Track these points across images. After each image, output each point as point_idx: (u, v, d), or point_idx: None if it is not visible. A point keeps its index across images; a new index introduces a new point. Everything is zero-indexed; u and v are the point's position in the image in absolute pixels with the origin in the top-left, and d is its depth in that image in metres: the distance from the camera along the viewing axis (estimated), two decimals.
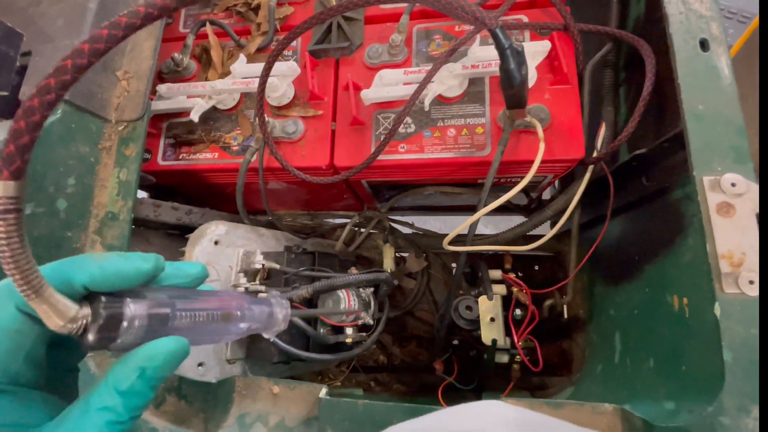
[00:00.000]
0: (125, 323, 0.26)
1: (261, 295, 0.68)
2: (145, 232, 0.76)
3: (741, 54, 0.91)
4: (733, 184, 0.42)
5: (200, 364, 0.67)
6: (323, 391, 0.47)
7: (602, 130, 0.69)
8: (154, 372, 0.27)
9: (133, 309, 0.26)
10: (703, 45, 0.47)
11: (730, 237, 0.42)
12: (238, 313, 0.32)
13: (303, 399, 0.50)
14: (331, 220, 1.02)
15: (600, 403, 0.45)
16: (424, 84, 0.64)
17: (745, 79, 0.93)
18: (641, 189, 0.63)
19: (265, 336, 0.37)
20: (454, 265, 1.02)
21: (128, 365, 0.26)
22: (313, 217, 1.03)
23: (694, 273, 0.51)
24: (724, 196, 0.43)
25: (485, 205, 0.65)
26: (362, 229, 0.98)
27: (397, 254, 1.06)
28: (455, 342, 0.94)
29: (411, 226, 1.00)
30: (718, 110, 0.45)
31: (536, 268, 1.01)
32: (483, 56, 0.65)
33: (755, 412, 0.38)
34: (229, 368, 0.71)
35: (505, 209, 1.00)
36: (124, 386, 0.26)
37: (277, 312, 0.35)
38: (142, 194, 0.82)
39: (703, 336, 0.49)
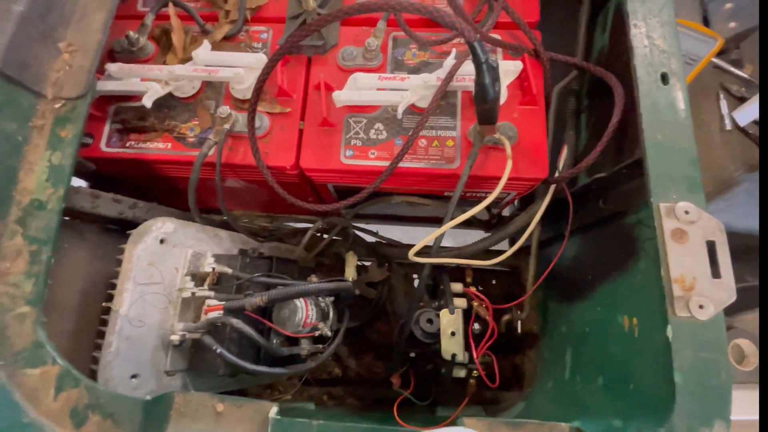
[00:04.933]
0: None
1: (209, 302, 0.63)
2: (79, 225, 0.67)
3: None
4: (686, 212, 0.45)
5: (134, 376, 0.60)
6: (273, 410, 0.43)
7: (564, 153, 0.71)
8: None
9: None
10: (664, 78, 0.50)
11: (683, 262, 0.44)
12: None
13: (250, 419, 0.45)
14: (291, 224, 0.98)
15: (557, 423, 0.45)
16: (450, 77, 0.63)
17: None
18: (598, 211, 0.66)
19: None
20: (415, 276, 1.01)
21: None
22: (272, 220, 0.98)
23: (644, 295, 0.54)
24: (678, 223, 0.45)
25: (452, 218, 0.64)
26: (325, 235, 0.94)
27: (358, 263, 1.03)
28: (412, 355, 0.92)
29: (375, 234, 0.98)
30: (675, 141, 0.48)
31: (494, 282, 1.03)
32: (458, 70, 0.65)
33: None
34: (167, 381, 0.64)
35: (466, 223, 1.01)
36: None
37: None
38: (79, 183, 0.74)
39: (651, 356, 0.51)
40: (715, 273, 0.43)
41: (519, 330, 0.96)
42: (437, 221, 0.67)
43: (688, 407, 0.41)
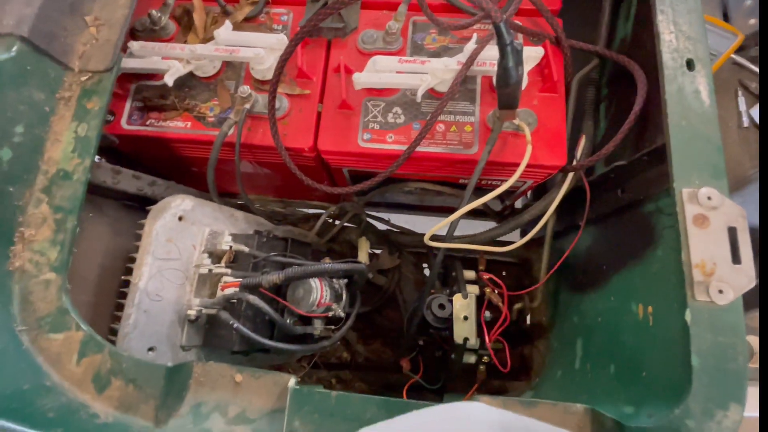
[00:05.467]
0: None
1: (225, 278, 0.63)
2: (98, 200, 0.68)
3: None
4: (709, 198, 0.45)
5: (150, 349, 0.61)
6: (293, 381, 0.44)
7: (582, 142, 0.71)
8: None
9: None
10: (690, 65, 0.49)
11: (704, 247, 0.44)
12: None
13: (268, 389, 0.46)
14: (304, 210, 0.99)
15: (572, 404, 0.45)
16: (470, 61, 0.63)
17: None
18: (616, 201, 0.65)
19: None
20: (425, 265, 1.02)
21: None
22: (285, 205, 0.99)
23: (661, 283, 0.54)
24: (700, 208, 0.45)
25: (468, 203, 0.64)
26: (336, 221, 0.95)
27: (369, 250, 1.04)
28: (421, 342, 0.93)
29: (387, 222, 0.99)
30: (699, 128, 0.48)
31: (504, 274, 1.03)
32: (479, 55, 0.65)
33: (719, 416, 0.40)
34: (183, 356, 0.65)
35: (479, 214, 1.02)
36: None
37: None
38: (96, 158, 0.75)
39: (666, 343, 0.51)
40: (736, 259, 0.43)
41: (528, 321, 0.96)
42: (449, 211, 0.67)
43: (704, 390, 0.41)
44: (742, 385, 0.41)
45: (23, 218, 0.50)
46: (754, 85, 1.03)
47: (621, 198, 0.64)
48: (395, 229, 0.96)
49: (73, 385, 0.45)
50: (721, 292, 0.42)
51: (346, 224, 0.95)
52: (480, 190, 0.77)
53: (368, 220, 0.93)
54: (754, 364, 0.90)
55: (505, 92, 0.57)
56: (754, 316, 0.91)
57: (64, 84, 0.54)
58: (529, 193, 1.02)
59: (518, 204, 0.99)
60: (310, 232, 0.87)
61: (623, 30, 0.70)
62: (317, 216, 0.93)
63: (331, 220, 0.95)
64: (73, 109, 0.54)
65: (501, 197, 0.92)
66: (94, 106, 0.53)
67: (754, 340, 0.87)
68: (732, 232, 0.44)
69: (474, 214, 1.02)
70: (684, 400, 0.41)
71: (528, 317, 0.95)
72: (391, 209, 1.06)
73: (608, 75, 0.75)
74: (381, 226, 0.98)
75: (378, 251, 1.00)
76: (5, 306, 0.46)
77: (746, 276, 0.43)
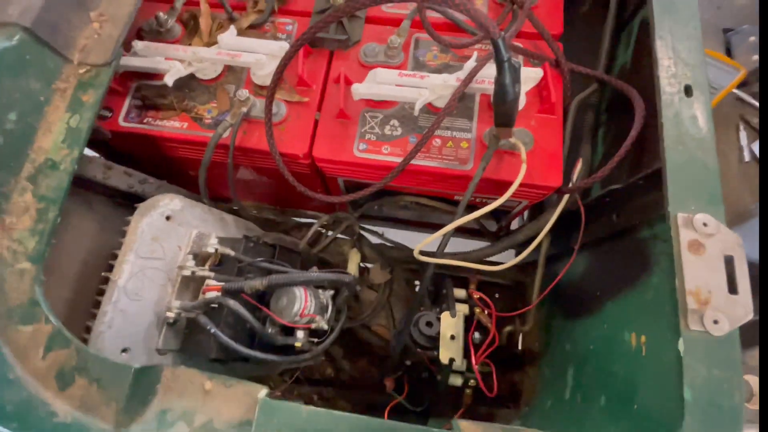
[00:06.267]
0: None
1: (208, 281, 0.62)
2: (89, 196, 0.67)
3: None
4: (705, 224, 0.43)
5: (124, 350, 0.59)
6: (263, 392, 0.42)
7: (579, 166, 0.70)
8: None
9: None
10: (687, 91, 0.49)
11: (699, 275, 0.42)
12: None
13: (238, 399, 0.44)
14: (298, 219, 0.98)
15: None
16: (469, 79, 0.63)
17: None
18: (611, 225, 0.64)
19: None
20: (417, 282, 1.00)
21: None
22: (279, 213, 0.98)
23: (655, 311, 0.52)
24: (695, 234, 0.43)
25: (460, 218, 0.63)
26: (329, 232, 0.94)
27: (360, 264, 1.02)
28: (408, 363, 0.90)
29: (380, 236, 0.97)
30: (696, 153, 0.47)
31: (497, 296, 1.01)
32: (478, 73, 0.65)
33: None
34: (158, 360, 0.63)
35: (474, 233, 1.00)
36: None
37: None
38: (92, 154, 0.75)
39: (659, 375, 0.49)
40: (732, 289, 0.42)
41: (519, 347, 0.93)
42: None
43: (697, 427, 0.38)
44: (738, 422, 0.39)
45: (6, 205, 0.49)
46: (756, 120, 1.03)
47: (616, 223, 0.63)
48: (389, 244, 0.95)
49: (35, 380, 0.43)
50: (716, 322, 0.41)
51: (339, 236, 0.94)
52: (474, 208, 0.76)
53: (362, 233, 0.92)
54: (753, 406, 0.86)
55: (501, 109, 0.57)
56: (754, 354, 0.88)
57: (61, 75, 0.54)
58: (525, 215, 1.01)
59: (515, 226, 0.98)
60: (300, 241, 0.85)
61: (623, 57, 0.70)
62: (311, 225, 0.92)
63: (324, 231, 0.94)
64: (68, 101, 0.53)
65: (497, 217, 0.91)
66: (89, 99, 0.53)
67: (753, 380, 0.84)
68: (729, 261, 0.43)
69: (470, 233, 1.02)
70: None
71: (519, 342, 0.92)
72: (388, 223, 1.05)
73: (607, 100, 0.75)
74: (375, 240, 0.96)
75: (369, 265, 0.98)
76: None
77: (743, 307, 0.41)
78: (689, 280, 0.42)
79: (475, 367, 0.65)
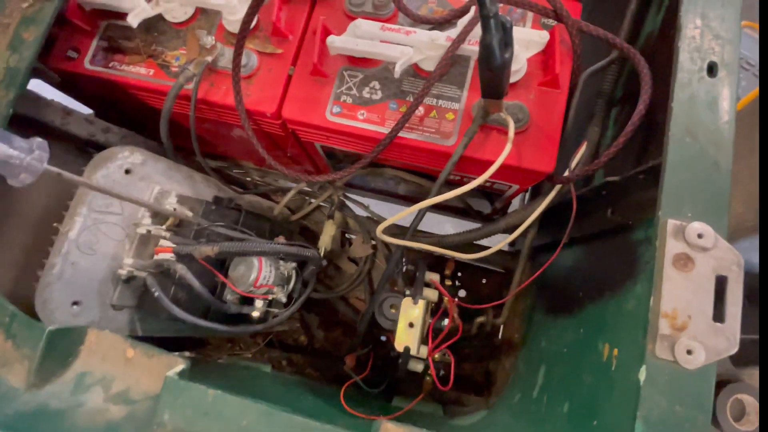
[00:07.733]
0: None
1: (162, 242, 0.59)
2: (49, 143, 0.65)
3: (747, 110, 0.85)
4: (699, 236, 0.36)
5: (75, 303, 0.58)
6: (177, 369, 0.40)
7: (582, 150, 0.62)
8: None
9: None
10: (711, 69, 0.40)
11: (680, 294, 0.35)
12: None
13: (159, 371, 0.42)
14: (282, 183, 0.93)
15: None
16: (461, 38, 0.55)
17: (744, 138, 0.87)
18: (604, 221, 0.57)
19: (12, 184, 0.30)
20: (404, 259, 0.95)
21: None
22: (264, 175, 0.94)
23: (632, 324, 0.46)
24: (685, 247, 0.36)
25: (435, 196, 0.57)
26: (313, 200, 0.89)
27: (346, 235, 0.98)
28: (383, 338, 0.88)
29: (366, 208, 0.92)
30: (707, 148, 0.38)
31: (483, 281, 0.96)
32: (473, 31, 0.56)
33: None
34: (113, 314, 0.62)
35: (467, 214, 0.94)
36: None
37: (15, 154, 0.27)
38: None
39: (623, 396, 0.44)
40: (719, 316, 0.35)
41: (500, 335, 0.89)
42: (437, 207, 0.60)
43: None
44: None
45: None
46: None
47: (610, 219, 0.55)
48: (373, 217, 0.90)
49: None
50: (689, 353, 0.34)
51: (322, 203, 0.90)
52: (457, 187, 0.69)
53: (345, 202, 0.87)
54: (747, 427, 0.80)
55: (486, 77, 0.49)
56: (753, 373, 0.80)
57: (5, 10, 0.50)
58: (526, 198, 0.94)
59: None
60: (278, 205, 0.82)
61: (651, 24, 0.59)
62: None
63: (307, 198, 0.90)
64: (9, 38, 0.49)
65: (489, 199, 0.84)
66: (29, 37, 0.49)
67: (748, 400, 0.77)
68: (721, 282, 0.36)
69: (459, 213, 0.95)
70: None
71: (500, 331, 0.88)
72: (376, 194, 1.00)
73: (627, 75, 0.64)
74: (359, 212, 0.92)
75: (354, 237, 0.94)
76: None
77: (727, 339, 0.34)
78: (667, 299, 0.35)
79: (430, 359, 0.61)
